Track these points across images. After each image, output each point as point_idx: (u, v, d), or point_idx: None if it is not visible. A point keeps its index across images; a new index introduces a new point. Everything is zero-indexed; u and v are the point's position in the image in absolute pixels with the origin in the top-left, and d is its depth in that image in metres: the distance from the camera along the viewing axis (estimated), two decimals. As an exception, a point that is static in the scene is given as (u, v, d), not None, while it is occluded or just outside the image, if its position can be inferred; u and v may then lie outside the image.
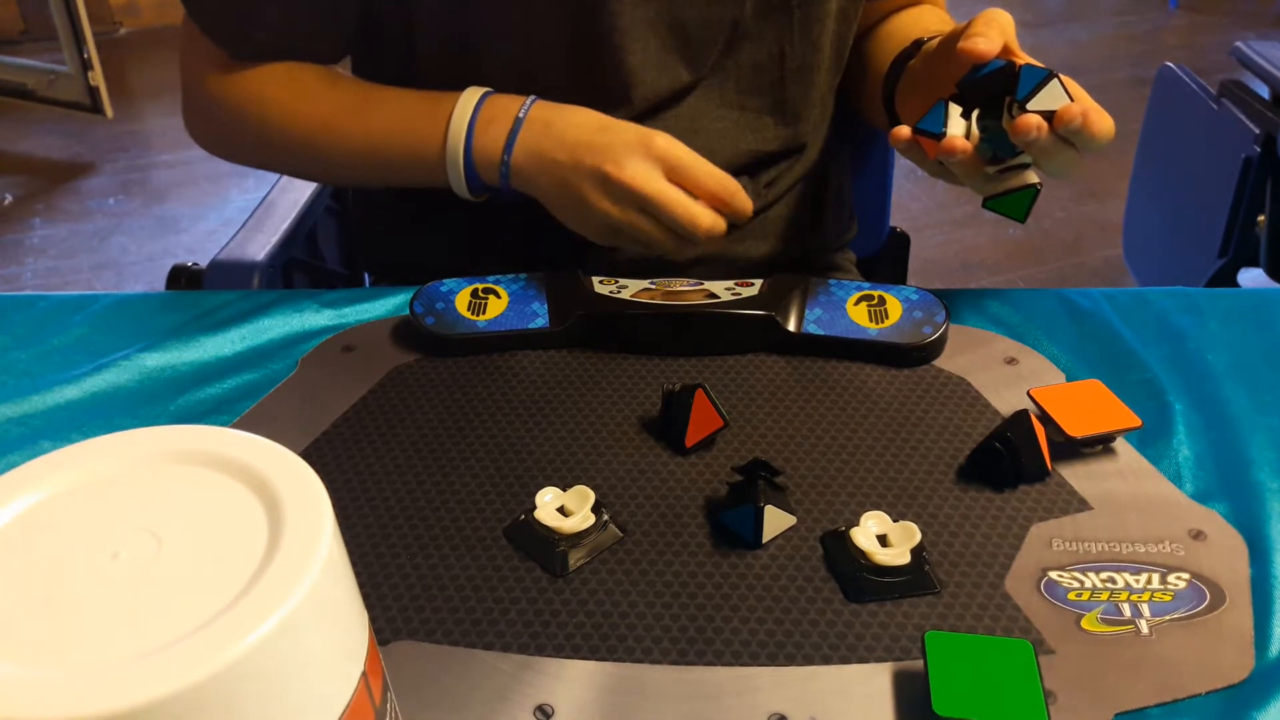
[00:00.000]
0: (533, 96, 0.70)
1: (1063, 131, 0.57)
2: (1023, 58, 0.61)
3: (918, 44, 0.74)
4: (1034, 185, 0.60)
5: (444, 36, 0.72)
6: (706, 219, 0.66)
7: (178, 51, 0.76)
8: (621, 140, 0.66)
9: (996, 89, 0.59)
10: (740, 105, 0.77)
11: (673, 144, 0.66)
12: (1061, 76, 0.58)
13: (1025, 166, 0.61)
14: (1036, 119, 0.56)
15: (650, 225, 0.67)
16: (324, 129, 0.73)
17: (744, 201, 0.68)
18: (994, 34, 0.60)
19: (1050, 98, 0.57)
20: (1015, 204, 0.60)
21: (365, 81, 0.74)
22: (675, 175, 0.66)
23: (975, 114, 0.60)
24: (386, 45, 0.76)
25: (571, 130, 0.67)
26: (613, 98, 0.72)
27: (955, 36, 0.65)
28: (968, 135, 0.60)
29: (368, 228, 0.90)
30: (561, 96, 0.70)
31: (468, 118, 0.69)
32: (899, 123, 0.73)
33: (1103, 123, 0.57)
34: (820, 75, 0.79)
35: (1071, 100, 0.57)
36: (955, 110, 0.60)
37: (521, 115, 0.68)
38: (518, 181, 0.69)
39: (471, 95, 0.70)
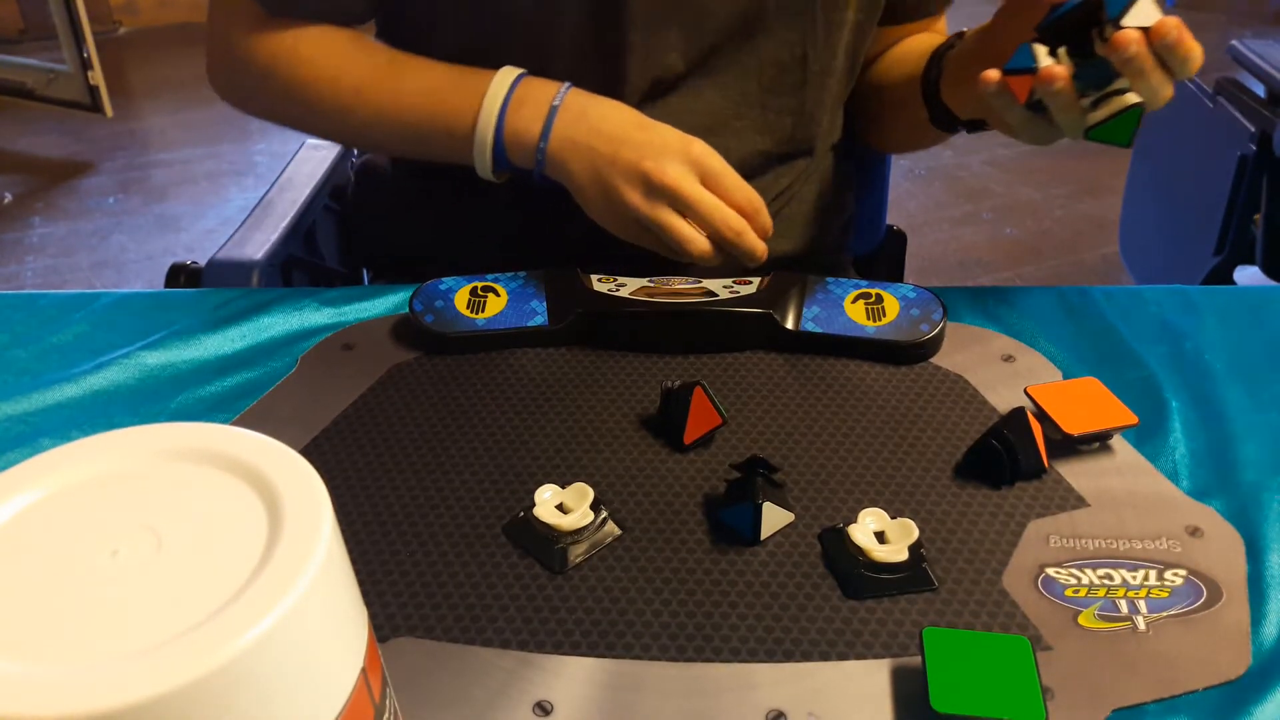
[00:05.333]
0: (567, 84, 0.69)
1: (1158, 46, 0.56)
2: None
3: (957, 36, 0.74)
4: (1138, 104, 0.58)
5: (461, 23, 0.73)
6: (737, 225, 0.67)
7: (207, 10, 0.77)
8: (662, 140, 0.67)
9: (1080, 22, 0.58)
10: (762, 104, 0.77)
11: (710, 152, 0.67)
12: None
13: (1121, 92, 0.59)
14: (1135, 33, 0.55)
15: (680, 227, 0.66)
16: (355, 93, 0.73)
17: (766, 220, 0.69)
18: None
19: (1143, 13, 0.56)
20: (1120, 128, 0.59)
21: (397, 50, 0.74)
22: (708, 182, 0.67)
23: (1060, 53, 0.59)
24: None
25: (609, 123, 0.68)
26: (619, 78, 0.72)
27: (1012, 5, 0.66)
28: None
29: (366, 216, 0.90)
30: (568, 74, 0.70)
31: (501, 97, 0.69)
32: (947, 116, 0.74)
33: (1195, 43, 0.56)
34: (835, 82, 0.79)
35: (1162, 15, 0.57)
36: (1040, 51, 0.59)
37: (557, 102, 0.68)
38: (550, 167, 0.69)
39: (506, 75, 0.70)
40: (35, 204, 2.67)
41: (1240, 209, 1.49)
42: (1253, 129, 1.44)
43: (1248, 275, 1.56)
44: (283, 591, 0.26)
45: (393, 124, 0.73)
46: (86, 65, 2.83)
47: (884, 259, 1.10)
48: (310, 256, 0.99)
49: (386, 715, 0.32)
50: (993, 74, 0.59)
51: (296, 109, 0.76)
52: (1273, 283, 1.51)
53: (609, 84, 0.71)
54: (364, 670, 0.30)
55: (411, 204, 0.84)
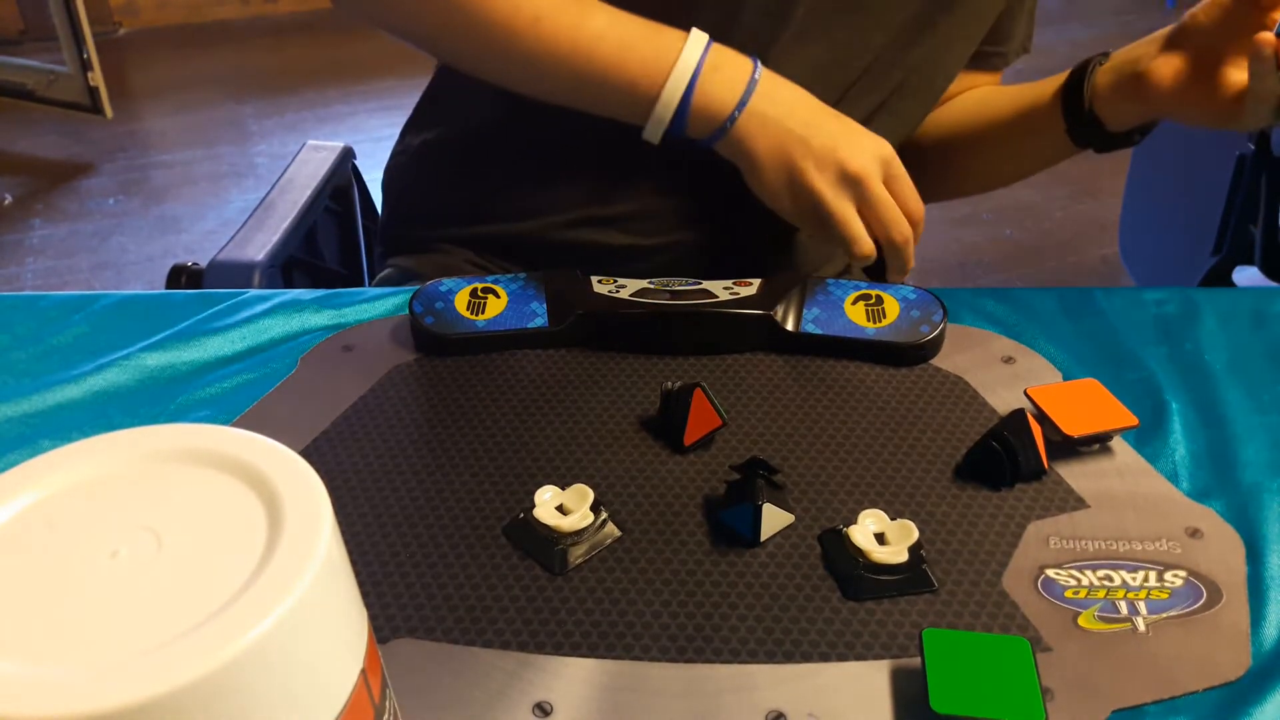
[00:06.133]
0: (756, 59, 0.69)
1: None
2: None
3: (1103, 55, 0.75)
4: None
5: None
6: (906, 233, 0.68)
7: None
8: (857, 133, 0.68)
9: None
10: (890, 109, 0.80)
11: (895, 157, 0.68)
12: None
13: None
14: None
15: (856, 223, 0.67)
16: (533, 19, 0.67)
17: (918, 234, 0.70)
18: None
19: None
20: None
21: None
22: (890, 185, 0.68)
23: None
24: None
25: (803, 107, 0.68)
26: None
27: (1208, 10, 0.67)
28: None
29: (396, 183, 0.89)
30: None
31: (695, 62, 0.67)
32: (1092, 131, 0.76)
33: None
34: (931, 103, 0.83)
35: None
36: None
37: (757, 75, 0.68)
38: (731, 146, 0.69)
39: (699, 40, 0.67)
40: (35, 205, 2.67)
41: (1238, 209, 1.49)
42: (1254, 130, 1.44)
43: (1248, 276, 1.56)
44: (282, 593, 0.26)
45: (564, 64, 0.68)
46: (86, 66, 2.84)
47: (884, 260, 1.10)
48: (311, 257, 0.99)
49: (386, 716, 0.32)
50: (1270, 36, 0.61)
51: (456, 18, 0.68)
52: (1272, 283, 1.51)
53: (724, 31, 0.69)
54: (364, 671, 0.30)
55: (447, 165, 0.84)
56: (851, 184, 0.67)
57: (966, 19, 0.78)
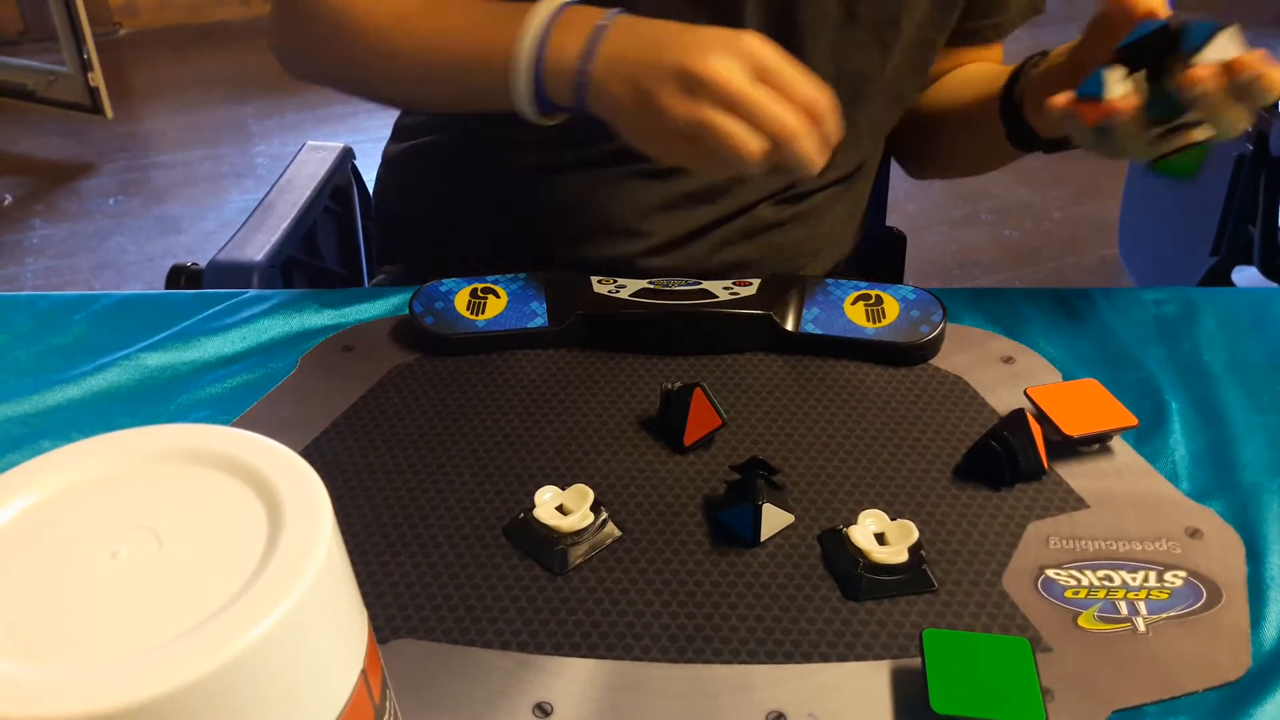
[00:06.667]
0: (619, 9, 0.63)
1: (1239, 82, 0.55)
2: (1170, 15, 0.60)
3: (1041, 54, 0.72)
4: (1206, 140, 0.58)
5: None
6: (793, 126, 0.58)
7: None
8: (706, 36, 0.59)
9: (1158, 49, 0.57)
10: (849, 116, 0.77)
11: (764, 44, 0.59)
12: (1230, 28, 0.56)
13: (1191, 126, 0.58)
14: (1209, 69, 0.54)
15: (727, 125, 0.58)
16: (399, 22, 0.68)
17: (831, 125, 0.60)
18: None
19: (1223, 49, 0.55)
20: (1186, 162, 0.60)
21: None
22: (766, 79, 0.58)
23: (1136, 77, 0.58)
24: None
25: (655, 31, 0.61)
26: None
27: (1104, 19, 0.64)
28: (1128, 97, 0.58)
29: (386, 195, 0.89)
30: None
31: (544, 20, 0.63)
32: (1027, 135, 0.73)
33: (1278, 73, 0.55)
34: (886, 102, 0.79)
35: (1246, 50, 0.55)
36: (1114, 76, 0.58)
37: (605, 22, 0.62)
38: (596, 98, 0.62)
39: (551, 2, 0.64)
40: (35, 206, 2.67)
41: (1236, 209, 1.49)
42: (1250, 129, 1.44)
43: (1247, 277, 1.56)
44: (283, 593, 0.26)
45: (435, 58, 0.68)
46: (87, 67, 2.84)
47: (884, 260, 1.10)
48: (310, 258, 0.99)
49: (386, 716, 0.32)
50: (1060, 99, 0.59)
51: (347, 57, 0.72)
52: (1271, 284, 1.51)
53: None
54: (364, 671, 0.30)
55: (434, 172, 0.83)
56: (705, 90, 0.57)
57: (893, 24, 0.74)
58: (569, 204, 0.77)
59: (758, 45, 0.59)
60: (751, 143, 0.57)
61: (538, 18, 0.63)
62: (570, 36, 0.62)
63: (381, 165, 0.91)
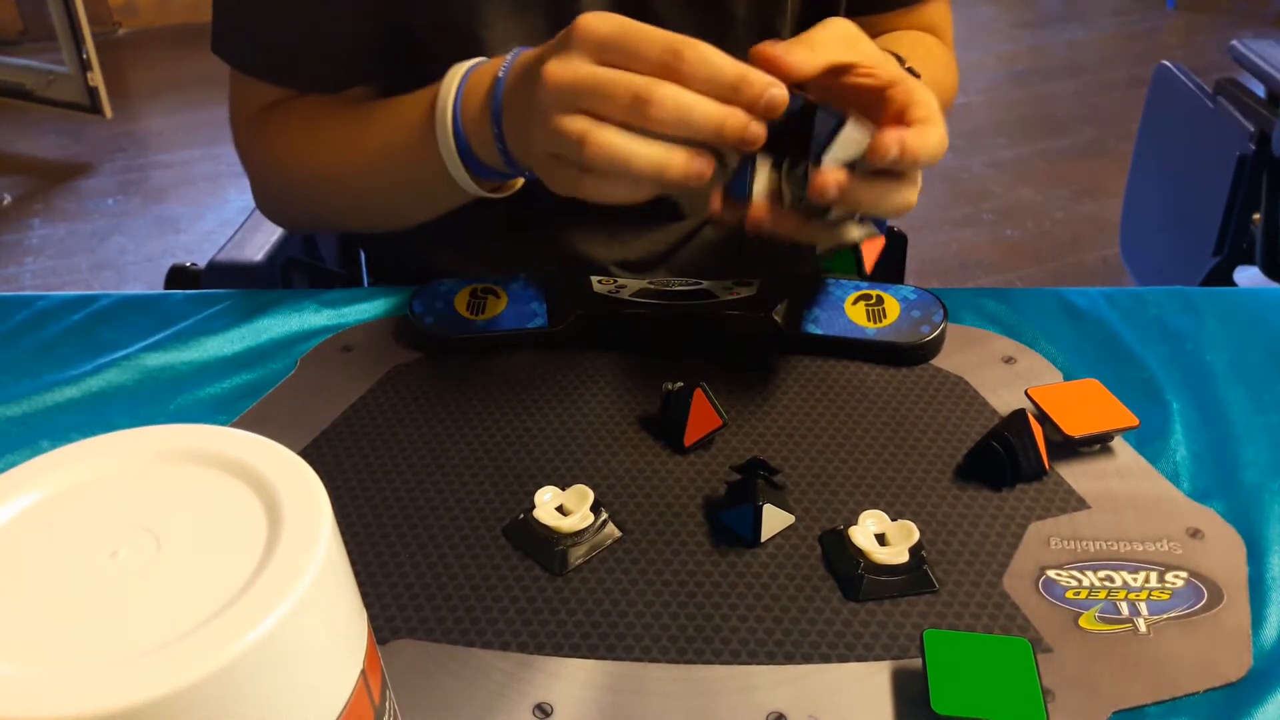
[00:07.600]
0: (520, 47, 0.56)
1: (882, 165, 0.49)
2: (870, 77, 0.51)
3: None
4: (854, 240, 0.52)
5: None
6: (653, 86, 0.46)
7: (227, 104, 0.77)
8: (549, 43, 0.51)
9: (801, 130, 0.49)
10: None
11: (596, 19, 0.48)
12: (854, 117, 0.49)
13: (849, 217, 0.52)
14: (834, 176, 0.48)
15: (580, 125, 0.47)
16: (344, 145, 0.68)
17: (754, 86, 0.46)
18: (800, 51, 0.48)
19: (849, 145, 0.49)
20: (844, 259, 0.53)
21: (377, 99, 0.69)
22: (609, 56, 0.48)
23: (785, 166, 0.51)
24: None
25: (531, 59, 0.53)
26: None
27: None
28: (778, 191, 0.50)
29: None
30: None
31: (455, 88, 0.58)
32: None
33: (925, 141, 0.48)
34: None
35: (871, 137, 0.48)
36: (764, 164, 0.50)
37: (502, 74, 0.55)
38: (516, 149, 0.56)
39: (458, 68, 0.59)
40: (34, 205, 2.67)
41: (1239, 209, 1.49)
42: (1252, 129, 1.44)
43: (1249, 277, 1.56)
44: (282, 593, 0.25)
45: (377, 168, 0.67)
46: (86, 67, 2.84)
47: (884, 260, 1.10)
48: (309, 258, 0.99)
49: (386, 717, 0.32)
50: (715, 202, 0.52)
51: (308, 201, 0.74)
52: (1273, 284, 1.51)
53: None
54: (364, 672, 0.30)
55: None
56: (555, 99, 0.48)
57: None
58: (553, 231, 0.77)
59: (585, 22, 0.48)
60: (643, 154, 0.47)
61: (449, 86, 0.59)
62: (478, 95, 0.57)
63: None
